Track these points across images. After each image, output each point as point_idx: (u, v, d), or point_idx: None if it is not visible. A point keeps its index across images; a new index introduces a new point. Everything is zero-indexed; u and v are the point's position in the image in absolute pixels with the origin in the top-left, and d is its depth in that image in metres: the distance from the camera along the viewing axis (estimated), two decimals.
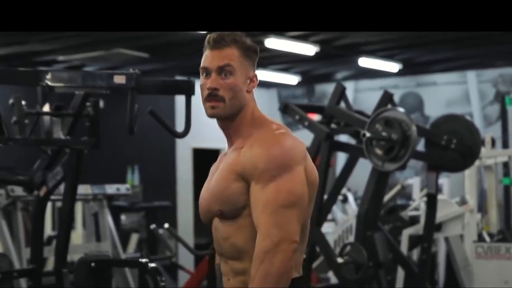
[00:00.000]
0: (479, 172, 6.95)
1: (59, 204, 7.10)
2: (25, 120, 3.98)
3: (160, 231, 6.42)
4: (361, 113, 5.48)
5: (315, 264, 6.14)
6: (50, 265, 6.53)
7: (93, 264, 2.74)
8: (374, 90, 10.18)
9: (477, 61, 10.38)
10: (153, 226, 6.45)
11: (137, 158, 10.36)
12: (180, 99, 4.54)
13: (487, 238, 6.41)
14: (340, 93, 5.33)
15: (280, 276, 2.24)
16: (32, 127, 3.98)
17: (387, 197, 6.69)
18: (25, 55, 8.54)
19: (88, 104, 4.14)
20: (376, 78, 10.74)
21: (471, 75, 10.79)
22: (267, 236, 2.25)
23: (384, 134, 4.86)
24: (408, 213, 6.66)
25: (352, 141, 5.96)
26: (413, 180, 7.36)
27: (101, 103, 4.37)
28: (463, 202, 6.36)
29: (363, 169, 5.51)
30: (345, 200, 8.04)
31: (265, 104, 11.41)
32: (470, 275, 6.07)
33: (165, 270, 5.68)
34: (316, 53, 8.76)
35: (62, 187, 4.31)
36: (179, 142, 10.49)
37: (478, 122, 10.06)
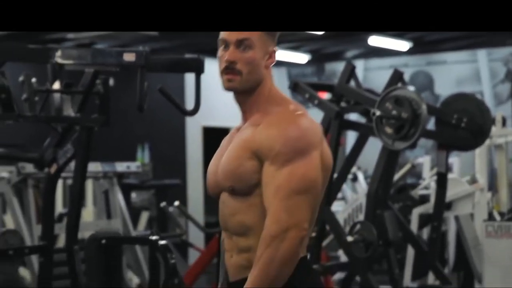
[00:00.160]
0: (490, 151, 6.93)
1: (69, 181, 7.15)
2: (35, 97, 3.98)
3: (170, 209, 6.44)
4: (371, 91, 5.49)
5: (324, 243, 6.15)
6: (61, 242, 6.56)
7: (103, 241, 2.76)
8: (384, 69, 10.16)
9: (487, 40, 10.34)
10: (163, 204, 6.48)
11: (147, 136, 10.39)
12: (189, 77, 4.53)
13: (498, 217, 6.40)
14: (350, 72, 5.34)
15: (284, 262, 2.25)
16: (42, 105, 3.99)
17: (397, 176, 6.70)
18: (34, 33, 8.55)
19: (98, 81, 4.14)
20: (386, 56, 10.73)
21: (481, 54, 10.76)
22: (276, 221, 2.25)
23: (394, 112, 4.86)
24: (418, 192, 6.67)
25: (362, 120, 5.96)
26: (423, 159, 7.36)
27: (111, 81, 4.38)
28: (473, 181, 6.35)
29: (373, 147, 5.51)
30: (355, 178, 8.06)
31: (275, 82, 11.43)
32: (480, 254, 6.06)
33: (175, 248, 5.72)
34: (325, 32, 8.76)
35: (72, 165, 4.34)
36: (189, 120, 10.52)
37: (488, 100, 10.04)
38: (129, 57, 3.57)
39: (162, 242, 3.94)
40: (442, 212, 5.58)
